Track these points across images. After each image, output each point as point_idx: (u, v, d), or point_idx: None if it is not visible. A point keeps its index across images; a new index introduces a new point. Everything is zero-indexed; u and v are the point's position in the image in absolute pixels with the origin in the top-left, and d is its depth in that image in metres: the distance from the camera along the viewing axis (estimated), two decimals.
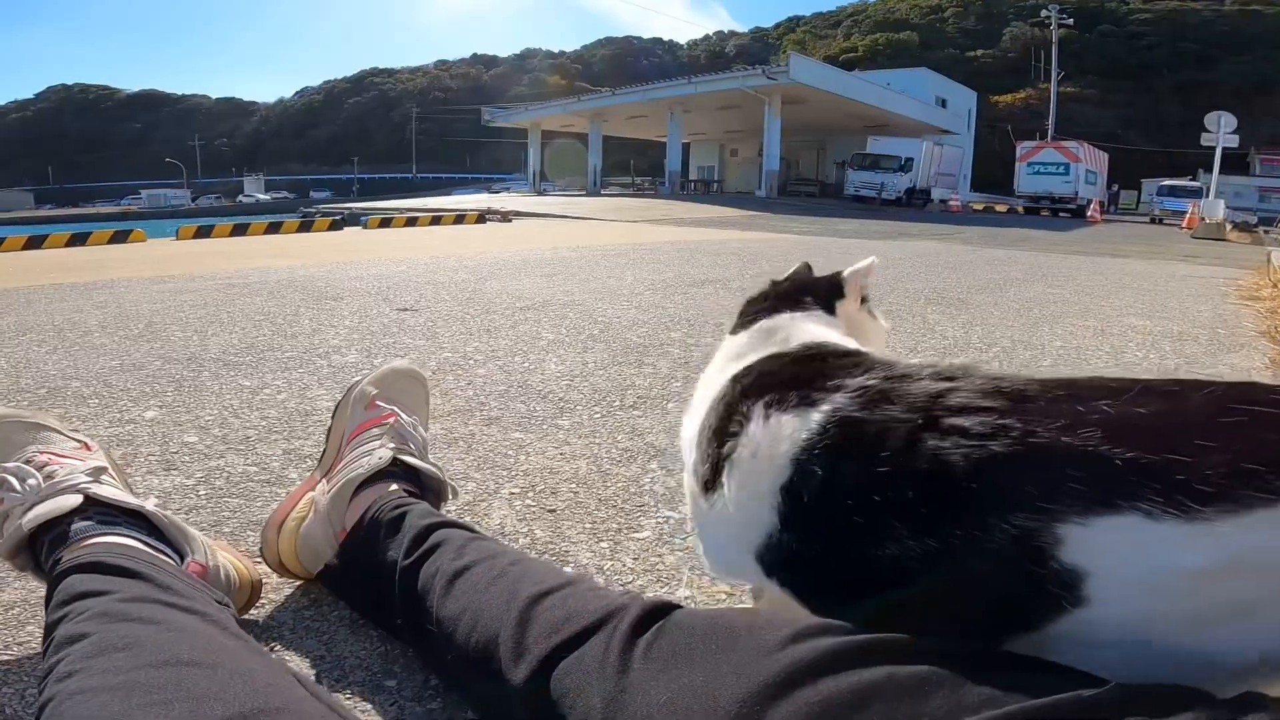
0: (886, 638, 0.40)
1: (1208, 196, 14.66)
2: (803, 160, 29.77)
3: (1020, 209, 23.35)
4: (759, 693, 0.39)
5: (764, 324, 0.69)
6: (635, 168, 36.11)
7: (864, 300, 0.78)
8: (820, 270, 0.85)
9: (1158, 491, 0.37)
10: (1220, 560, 0.36)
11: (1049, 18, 37.52)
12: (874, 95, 24.02)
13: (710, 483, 0.55)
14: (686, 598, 0.82)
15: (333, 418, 0.87)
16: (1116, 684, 0.35)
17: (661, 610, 0.49)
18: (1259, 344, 2.58)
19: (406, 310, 2.56)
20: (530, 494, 1.07)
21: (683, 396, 1.62)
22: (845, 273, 0.76)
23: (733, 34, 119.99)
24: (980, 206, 24.33)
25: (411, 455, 0.80)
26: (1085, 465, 0.39)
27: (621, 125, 29.30)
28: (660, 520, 1.01)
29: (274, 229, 8.07)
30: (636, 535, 0.97)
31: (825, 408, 0.49)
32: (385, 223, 9.84)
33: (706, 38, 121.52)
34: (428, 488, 0.80)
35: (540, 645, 0.50)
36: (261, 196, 53.97)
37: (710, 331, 2.36)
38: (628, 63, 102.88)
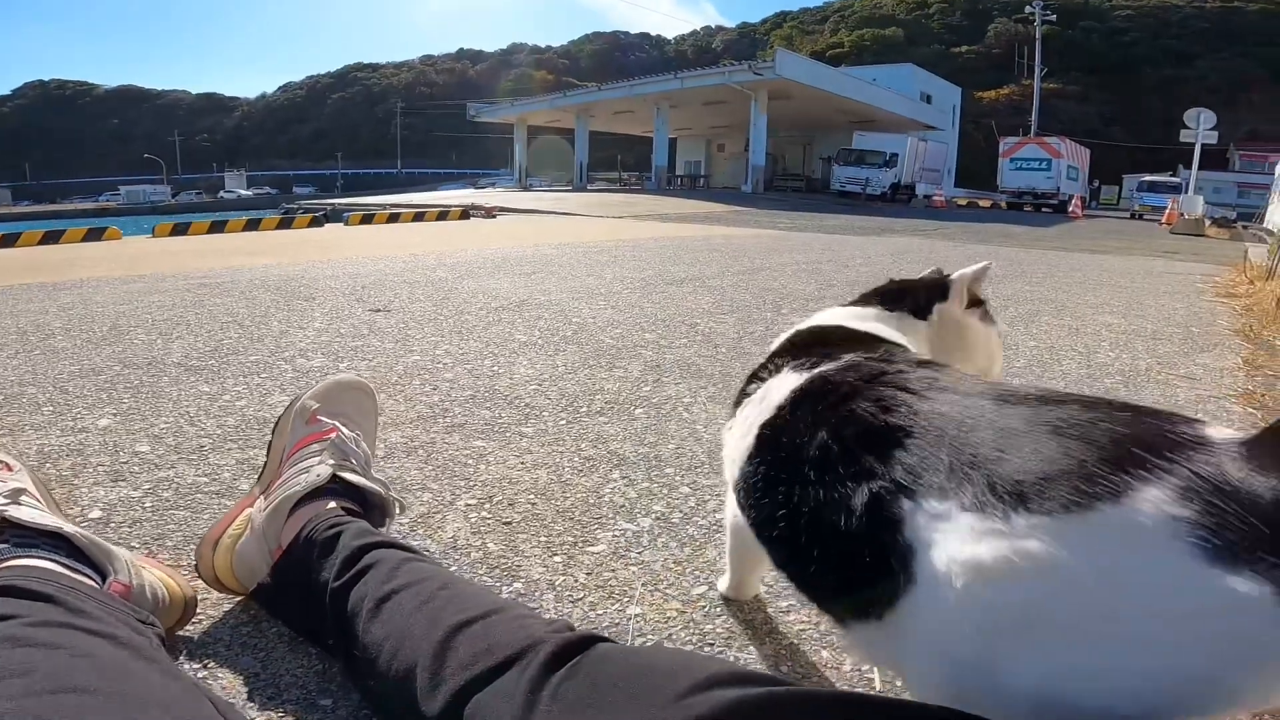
0: (795, 693, 0.40)
1: (1187, 192, 14.83)
2: (789, 155, 29.83)
3: (1003, 204, 23.54)
4: None
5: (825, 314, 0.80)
6: (622, 163, 36.04)
7: (977, 304, 0.78)
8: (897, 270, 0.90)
9: (977, 484, 0.39)
10: (1000, 556, 0.36)
11: (1032, 13, 37.76)
12: (860, 91, 24.11)
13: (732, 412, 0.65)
14: (636, 615, 0.81)
15: (273, 433, 0.84)
16: None
17: (581, 645, 0.48)
18: (1232, 342, 2.61)
19: (379, 311, 2.53)
20: (487, 505, 1.05)
21: (651, 401, 1.61)
22: (953, 276, 0.79)
23: (720, 29, 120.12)
24: (964, 202, 24.49)
25: (352, 471, 0.78)
26: (944, 453, 0.41)
27: (608, 120, 29.22)
28: (617, 534, 1.00)
29: (253, 226, 7.96)
30: (591, 549, 0.95)
31: (818, 369, 0.57)
32: (367, 219, 9.73)
33: (694, 33, 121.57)
34: (371, 504, 0.78)
35: (456, 677, 0.50)
36: (243, 192, 53.28)
37: (684, 332, 2.35)
38: (615, 58, 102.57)
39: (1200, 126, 15.96)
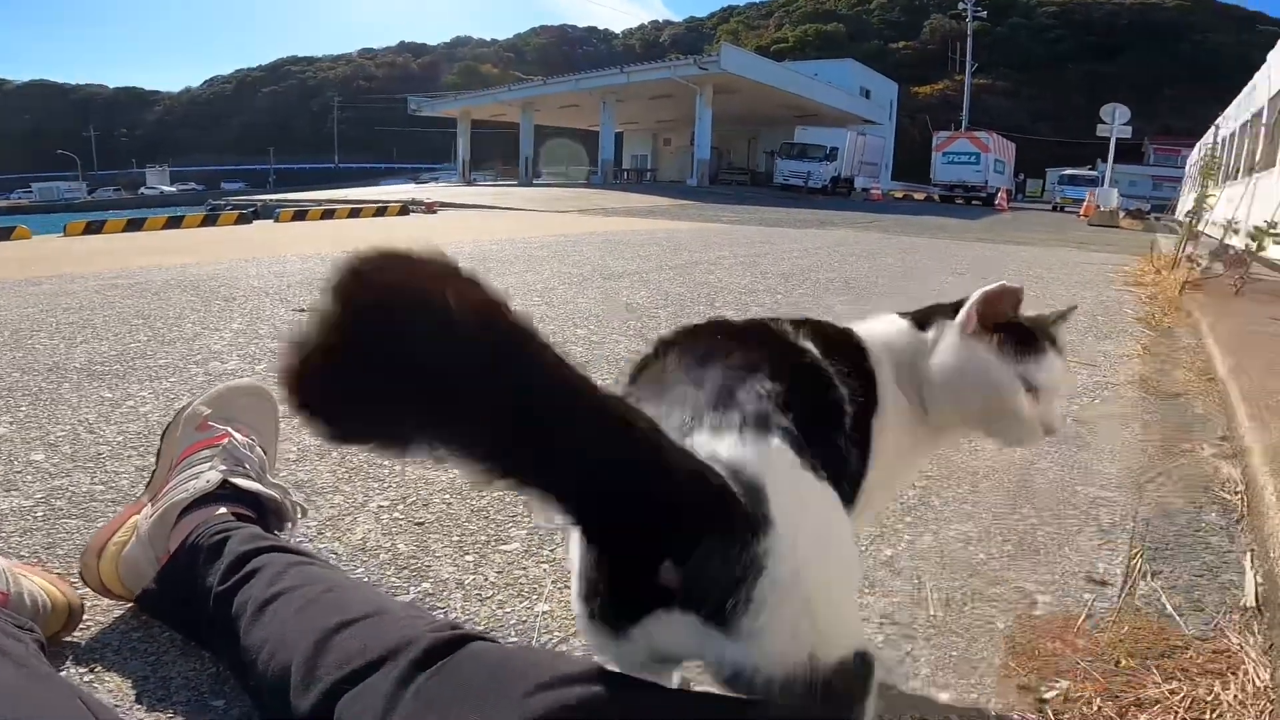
0: (637, 688, 0.42)
1: (1104, 185, 15.65)
2: (734, 149, 30.15)
3: (936, 197, 24.37)
4: None
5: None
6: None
7: (1000, 328, 0.64)
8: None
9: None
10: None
11: (965, 10, 39.08)
12: (802, 85, 24.47)
13: None
14: (545, 612, 0.82)
15: (162, 439, 0.82)
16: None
17: (454, 644, 0.49)
18: (1135, 330, 2.78)
19: (304, 311, 2.45)
20: (400, 506, 1.04)
21: None
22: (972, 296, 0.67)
23: (668, 24, 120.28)
24: (900, 195, 25.24)
25: (246, 477, 0.76)
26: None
27: (555, 115, 28.95)
28: (532, 531, 1.00)
29: (174, 224, 7.59)
30: (504, 547, 0.95)
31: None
32: (299, 215, 9.39)
33: (642, 27, 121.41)
34: (267, 509, 0.77)
35: (328, 676, 0.50)
36: (166, 189, 50.63)
37: (617, 327, 2.36)
38: (562, 52, 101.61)
39: (1115, 121, 16.85)
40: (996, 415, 0.63)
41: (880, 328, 0.66)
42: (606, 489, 0.38)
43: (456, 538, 0.96)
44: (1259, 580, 0.94)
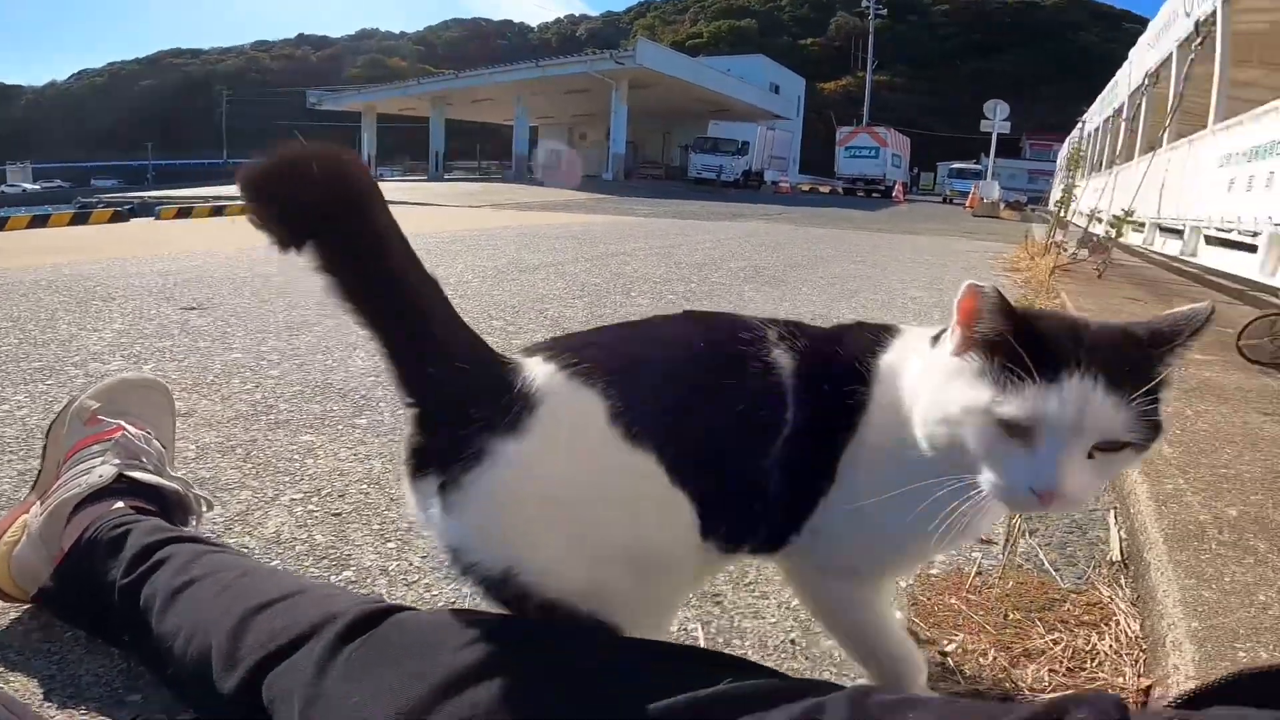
0: (554, 633, 0.45)
1: (986, 179, 16.81)
2: (649, 144, 30.33)
3: (840, 190, 25.45)
4: (427, 696, 0.42)
5: None
6: (482, 151, 34.95)
7: (984, 346, 0.50)
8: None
9: None
10: None
11: (868, 8, 40.75)
12: (716, 81, 24.81)
13: None
14: (470, 593, 0.81)
15: (47, 436, 0.77)
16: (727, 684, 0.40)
17: (379, 615, 0.49)
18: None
19: (194, 309, 2.30)
20: (315, 498, 1.01)
21: None
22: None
23: (585, 18, 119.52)
24: (807, 188, 26.19)
25: (143, 470, 0.72)
26: None
27: (467, 109, 28.22)
28: None
29: (40, 223, 6.92)
30: (427, 533, 0.94)
31: None
32: (184, 213, 8.75)
33: (558, 21, 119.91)
34: (170, 503, 0.73)
35: (251, 656, 0.50)
36: (29, 186, 45.74)
37: (533, 318, 2.35)
38: (475, 45, 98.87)
39: (996, 117, 18.13)
40: (970, 460, 0.48)
41: (901, 345, 0.57)
42: (409, 328, 0.50)
43: (376, 526, 0.94)
44: (1122, 536, 1.04)
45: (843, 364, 0.55)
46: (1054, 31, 75.96)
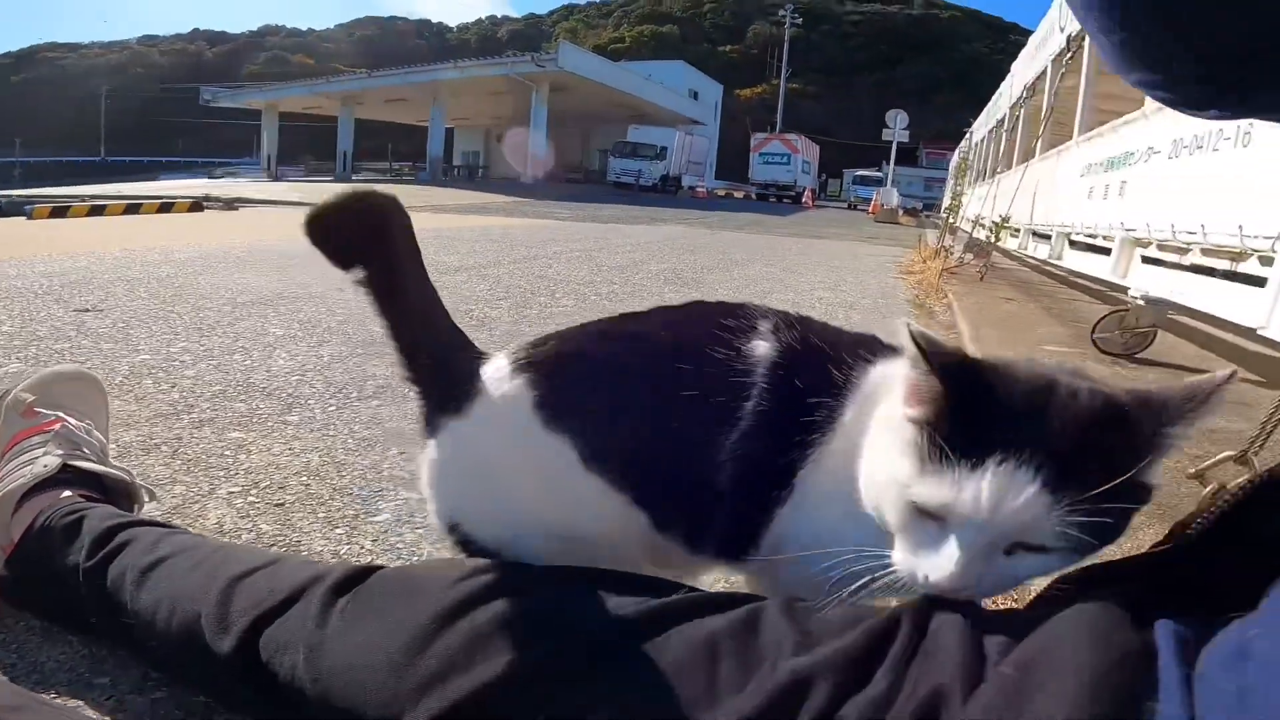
0: (533, 570, 0.50)
1: (887, 186, 17.80)
2: (568, 147, 30.19)
3: (754, 195, 26.24)
4: (431, 623, 0.46)
5: None
6: (394, 152, 33.74)
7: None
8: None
9: None
10: None
11: (784, 17, 42.05)
12: (636, 86, 24.92)
13: None
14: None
15: None
16: (682, 594, 0.46)
17: (364, 573, 0.52)
18: (906, 310, 3.27)
19: (88, 311, 2.16)
20: (254, 491, 1.01)
21: None
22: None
23: (506, 19, 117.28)
24: (723, 193, 26.82)
25: (86, 460, 0.71)
26: None
27: (379, 109, 27.19)
28: (399, 503, 1.02)
29: None
30: (375, 519, 0.96)
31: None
32: (59, 212, 8.05)
33: (479, 21, 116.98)
34: (114, 492, 0.73)
35: (244, 617, 0.52)
36: None
37: (459, 318, 2.33)
38: (389, 44, 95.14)
39: (897, 126, 19.22)
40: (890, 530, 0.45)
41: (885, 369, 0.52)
42: (412, 329, 0.60)
43: (323, 515, 0.95)
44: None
45: (829, 363, 0.51)
46: (948, 43, 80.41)
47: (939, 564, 0.41)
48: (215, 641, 0.52)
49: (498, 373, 0.56)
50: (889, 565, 0.44)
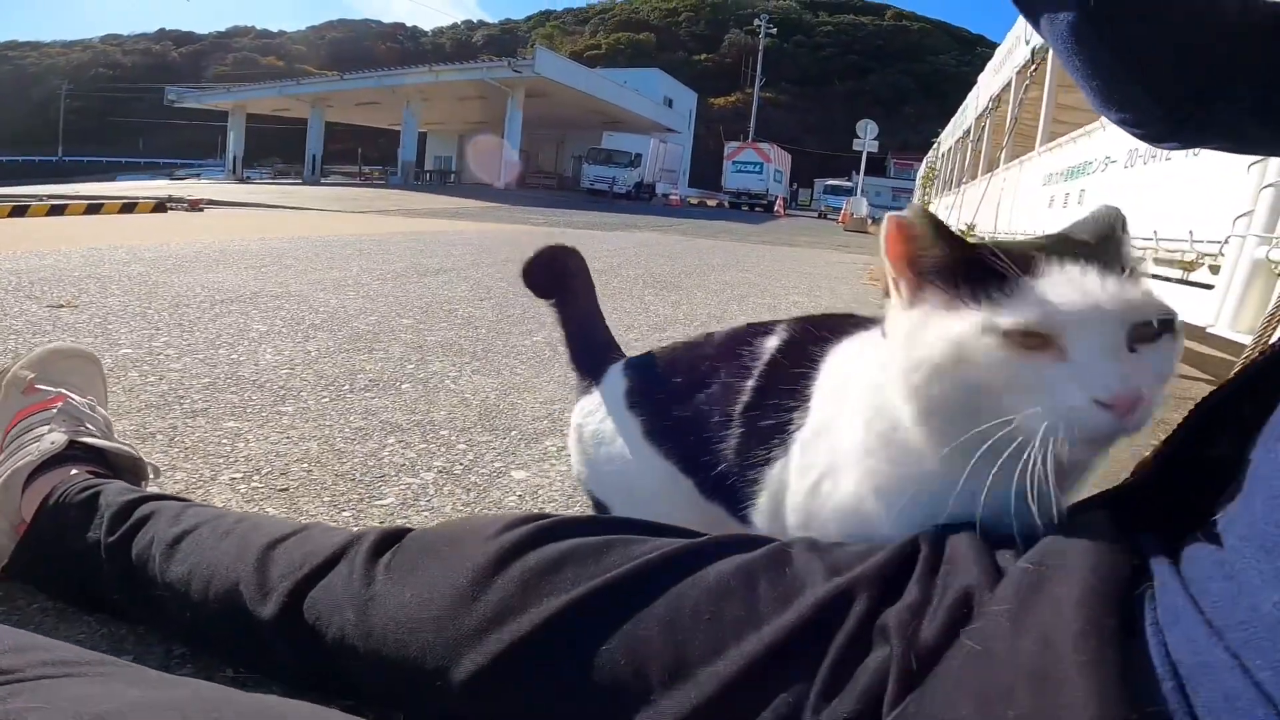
0: (575, 518, 0.52)
1: (856, 195, 18.11)
2: (542, 153, 30.06)
3: (726, 204, 26.44)
4: (483, 569, 0.47)
5: None
6: (364, 156, 33.31)
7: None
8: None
9: None
10: None
11: (759, 26, 42.42)
12: (612, 93, 24.92)
13: None
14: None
15: None
16: (712, 535, 0.50)
17: (399, 534, 0.54)
18: (878, 316, 3.35)
19: (63, 307, 2.12)
20: (256, 477, 1.01)
21: (417, 377, 1.62)
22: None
23: (482, 24, 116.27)
24: (696, 201, 26.98)
25: (92, 436, 0.71)
26: None
27: (350, 112, 26.83)
28: (403, 488, 1.02)
29: None
30: (380, 502, 0.97)
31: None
32: (19, 211, 7.80)
33: (454, 26, 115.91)
34: (121, 468, 0.73)
35: (285, 582, 0.53)
36: None
37: (443, 317, 2.35)
38: (363, 47, 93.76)
39: (867, 136, 19.55)
40: (986, 408, 0.39)
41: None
42: (582, 336, 0.79)
43: (327, 499, 0.96)
44: None
45: (812, 342, 0.56)
46: (918, 55, 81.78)
47: (1101, 377, 0.36)
48: (256, 607, 0.52)
49: (614, 367, 0.73)
50: (1013, 437, 0.38)
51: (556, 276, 0.79)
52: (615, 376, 0.71)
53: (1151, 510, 0.43)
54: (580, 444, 0.72)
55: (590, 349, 0.77)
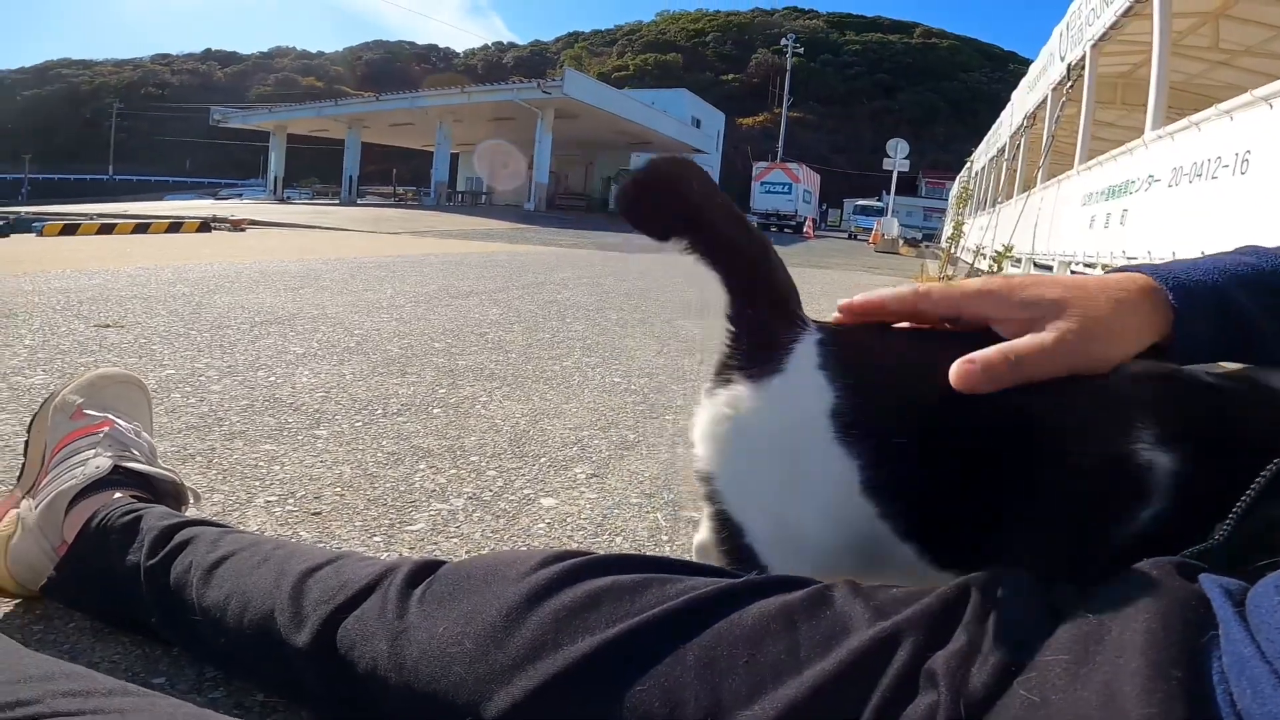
0: (611, 556, 0.51)
1: (887, 215, 17.96)
2: (571, 174, 30.37)
3: (755, 225, 26.33)
4: (517, 606, 0.47)
5: None
6: (398, 177, 34.14)
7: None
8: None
9: None
10: None
11: (786, 46, 42.57)
12: (640, 113, 25.14)
13: None
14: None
15: (29, 431, 0.76)
16: (750, 575, 0.48)
17: (433, 565, 0.54)
18: None
19: (109, 327, 2.19)
20: (290, 500, 1.02)
21: (448, 402, 1.63)
22: None
23: (512, 45, 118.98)
24: None
25: (137, 461, 0.73)
26: None
27: (384, 133, 27.58)
28: (433, 513, 1.03)
29: None
30: (411, 528, 0.97)
31: None
32: (69, 230, 8.12)
33: (485, 48, 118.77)
34: (163, 493, 0.74)
35: (319, 610, 0.52)
36: None
37: (474, 341, 2.38)
38: (397, 69, 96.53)
39: (897, 155, 19.42)
40: None
41: None
42: (744, 280, 0.57)
43: (359, 524, 0.96)
44: None
45: None
46: (947, 72, 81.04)
47: None
48: (290, 635, 0.52)
49: (804, 351, 0.52)
50: None
51: (674, 205, 0.57)
52: (808, 375, 0.51)
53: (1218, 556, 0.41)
54: (720, 441, 0.53)
55: (748, 308, 0.55)
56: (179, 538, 0.62)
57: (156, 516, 0.65)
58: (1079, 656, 0.34)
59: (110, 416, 0.76)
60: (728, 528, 0.53)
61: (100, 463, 0.71)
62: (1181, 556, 0.42)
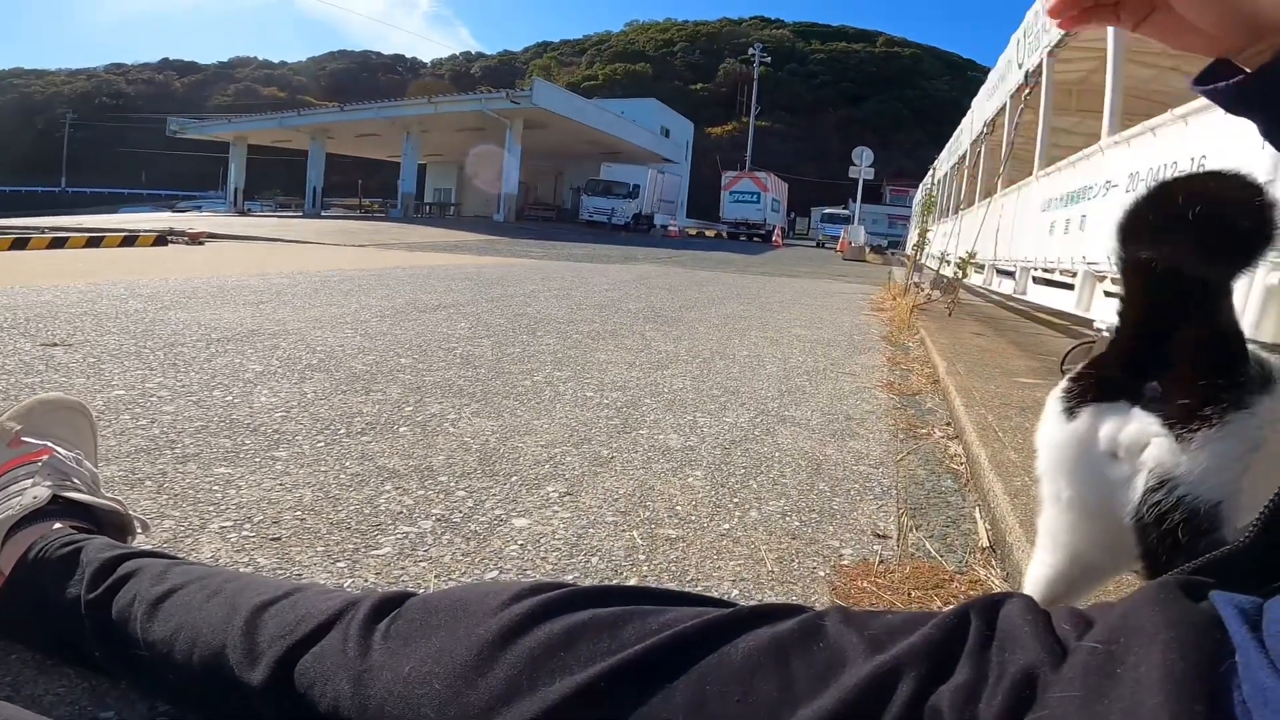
0: (586, 588, 0.49)
1: (854, 224, 18.27)
2: (541, 185, 30.26)
3: (724, 234, 26.58)
4: (489, 644, 0.44)
5: None
6: (364, 188, 33.65)
7: None
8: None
9: None
10: None
11: (754, 55, 43.06)
12: (610, 124, 25.07)
13: None
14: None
15: None
16: (738, 606, 0.46)
17: (398, 599, 0.51)
18: (880, 346, 3.34)
19: (57, 345, 2.09)
20: (247, 525, 0.97)
21: (415, 420, 1.59)
22: None
23: (480, 56, 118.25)
24: (694, 232, 27.13)
25: (77, 491, 0.69)
26: None
27: (350, 144, 27.19)
28: (400, 536, 0.99)
29: None
30: (376, 552, 0.93)
31: None
32: (20, 244, 7.83)
33: (453, 58, 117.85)
34: (106, 523, 0.71)
35: (275, 647, 0.50)
36: None
37: (442, 356, 2.33)
38: (362, 79, 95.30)
39: (863, 163, 19.77)
40: None
41: None
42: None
43: (321, 549, 0.92)
44: (988, 526, 1.21)
45: None
46: (910, 81, 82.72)
47: None
48: (244, 672, 0.49)
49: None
50: None
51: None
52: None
53: (1240, 578, 0.40)
54: (1101, 473, 0.48)
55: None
56: (122, 570, 0.59)
57: (97, 548, 0.62)
58: (1092, 693, 0.33)
59: (49, 444, 0.72)
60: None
61: (38, 492, 0.67)
62: (1193, 566, 0.41)
